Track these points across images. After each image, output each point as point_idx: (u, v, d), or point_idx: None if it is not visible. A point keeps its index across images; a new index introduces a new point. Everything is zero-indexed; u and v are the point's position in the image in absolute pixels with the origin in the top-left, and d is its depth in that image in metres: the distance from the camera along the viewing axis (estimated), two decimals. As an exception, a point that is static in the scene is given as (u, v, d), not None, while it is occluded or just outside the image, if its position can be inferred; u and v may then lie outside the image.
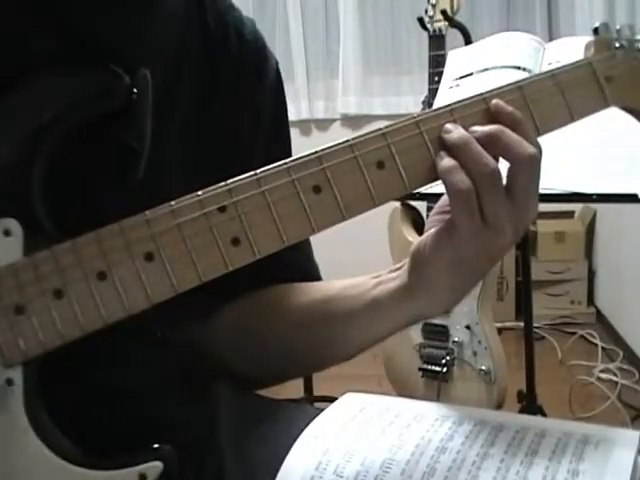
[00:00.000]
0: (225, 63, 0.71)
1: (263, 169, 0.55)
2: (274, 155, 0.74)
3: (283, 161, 0.56)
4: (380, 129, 0.58)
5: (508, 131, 0.57)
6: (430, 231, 0.60)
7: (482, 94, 0.60)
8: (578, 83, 0.63)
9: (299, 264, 0.76)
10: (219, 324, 0.73)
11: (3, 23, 0.58)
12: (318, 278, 0.79)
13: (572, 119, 0.63)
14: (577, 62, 0.64)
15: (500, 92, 0.60)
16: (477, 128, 0.58)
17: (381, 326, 0.65)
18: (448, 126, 0.58)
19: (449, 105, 0.59)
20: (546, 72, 0.63)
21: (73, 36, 0.60)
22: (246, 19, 0.75)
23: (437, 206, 0.62)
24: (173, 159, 0.66)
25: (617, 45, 0.66)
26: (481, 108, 0.60)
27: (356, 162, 0.56)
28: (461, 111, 0.59)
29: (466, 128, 0.58)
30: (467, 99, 0.60)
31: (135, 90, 0.57)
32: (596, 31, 0.67)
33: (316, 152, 0.56)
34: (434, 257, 0.59)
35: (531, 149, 0.57)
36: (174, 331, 0.79)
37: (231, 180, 0.54)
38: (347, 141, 0.57)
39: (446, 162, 0.57)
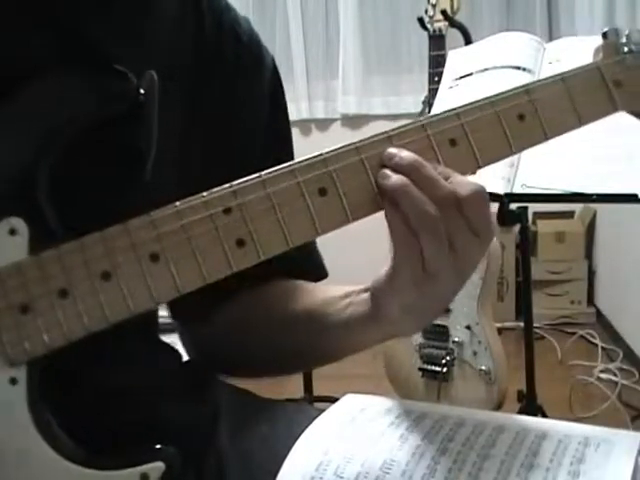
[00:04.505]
0: (221, 64, 0.71)
1: (268, 171, 0.55)
2: (276, 152, 0.75)
3: (288, 163, 0.56)
4: (386, 132, 0.58)
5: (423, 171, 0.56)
6: (380, 274, 0.60)
7: (490, 97, 0.60)
8: (586, 87, 0.63)
9: (300, 261, 0.76)
10: (220, 320, 0.73)
11: (3, 25, 0.58)
12: (319, 274, 0.79)
13: (580, 123, 0.62)
14: (585, 66, 0.64)
15: (508, 95, 0.60)
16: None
17: (353, 343, 0.66)
18: (385, 171, 0.56)
19: (455, 109, 0.59)
20: (554, 76, 0.62)
21: (72, 37, 0.60)
22: (241, 18, 0.75)
23: None
24: (169, 159, 0.66)
25: (626, 50, 0.65)
26: (488, 112, 0.59)
27: (362, 165, 0.56)
28: (468, 115, 0.59)
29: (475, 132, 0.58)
30: (472, 103, 0.60)
31: (142, 92, 0.57)
32: (605, 35, 0.66)
33: (321, 154, 0.56)
34: (386, 299, 0.59)
35: (447, 188, 0.55)
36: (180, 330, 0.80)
37: (236, 182, 0.54)
38: (353, 144, 0.57)
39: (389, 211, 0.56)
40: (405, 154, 0.56)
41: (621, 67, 0.65)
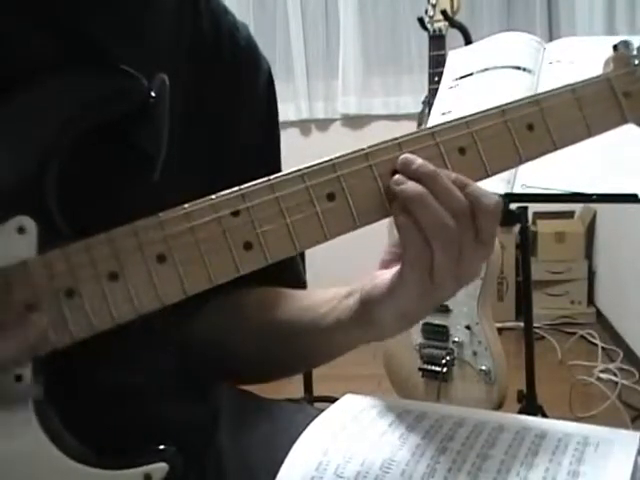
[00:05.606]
0: (218, 66, 0.72)
1: (277, 175, 0.55)
2: (266, 156, 0.74)
3: (297, 168, 0.56)
4: (395, 138, 0.57)
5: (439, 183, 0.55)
6: (377, 281, 0.59)
7: (500, 106, 0.60)
8: (596, 98, 0.63)
9: (279, 269, 0.75)
10: (197, 326, 0.73)
11: (3, 25, 0.58)
12: (298, 282, 0.78)
13: (589, 134, 0.62)
14: (596, 77, 0.64)
15: (518, 105, 0.60)
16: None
17: (334, 347, 0.67)
18: (399, 177, 0.56)
19: (464, 117, 0.59)
20: (564, 86, 0.62)
21: (73, 37, 0.60)
22: (240, 24, 0.76)
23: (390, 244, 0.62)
24: (171, 159, 0.66)
25: (636, 62, 0.66)
26: (497, 121, 0.59)
27: (371, 171, 0.56)
28: (477, 123, 0.59)
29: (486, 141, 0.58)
30: (481, 112, 0.59)
31: (153, 94, 0.57)
32: (615, 48, 0.67)
33: (330, 160, 0.56)
34: (381, 306, 0.59)
35: (461, 199, 0.55)
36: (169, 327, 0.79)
37: (245, 185, 0.54)
38: (362, 149, 0.57)
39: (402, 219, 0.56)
40: (422, 162, 0.56)
41: (631, 79, 0.65)
